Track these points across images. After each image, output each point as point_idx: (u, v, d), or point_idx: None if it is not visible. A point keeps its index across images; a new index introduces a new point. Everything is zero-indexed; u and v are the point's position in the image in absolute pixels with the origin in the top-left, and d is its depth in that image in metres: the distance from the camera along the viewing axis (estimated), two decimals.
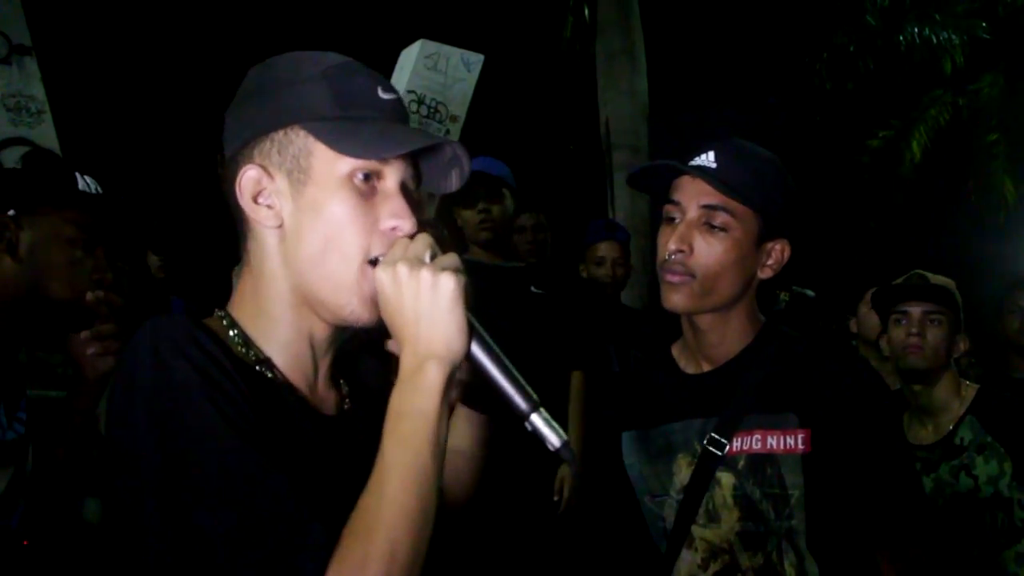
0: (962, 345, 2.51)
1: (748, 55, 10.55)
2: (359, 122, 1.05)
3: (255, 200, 1.06)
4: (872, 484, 1.54)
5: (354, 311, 1.04)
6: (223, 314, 1.10)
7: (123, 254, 2.78)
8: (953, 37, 10.43)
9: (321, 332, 1.09)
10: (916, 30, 10.45)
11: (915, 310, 2.50)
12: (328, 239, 1.03)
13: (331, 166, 1.04)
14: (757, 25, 10.47)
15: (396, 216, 1.05)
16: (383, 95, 1.09)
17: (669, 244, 1.57)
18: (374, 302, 1.02)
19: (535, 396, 1.02)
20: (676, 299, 1.58)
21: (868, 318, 3.31)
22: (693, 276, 1.56)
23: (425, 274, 0.97)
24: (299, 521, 0.89)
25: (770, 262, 1.62)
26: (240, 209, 1.07)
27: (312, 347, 1.09)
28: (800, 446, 1.53)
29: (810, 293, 4.22)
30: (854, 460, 1.53)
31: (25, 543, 1.69)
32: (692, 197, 1.58)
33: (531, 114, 10.88)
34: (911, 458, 1.63)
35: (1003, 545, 2.34)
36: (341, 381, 1.17)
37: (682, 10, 9.90)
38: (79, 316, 1.76)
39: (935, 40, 10.42)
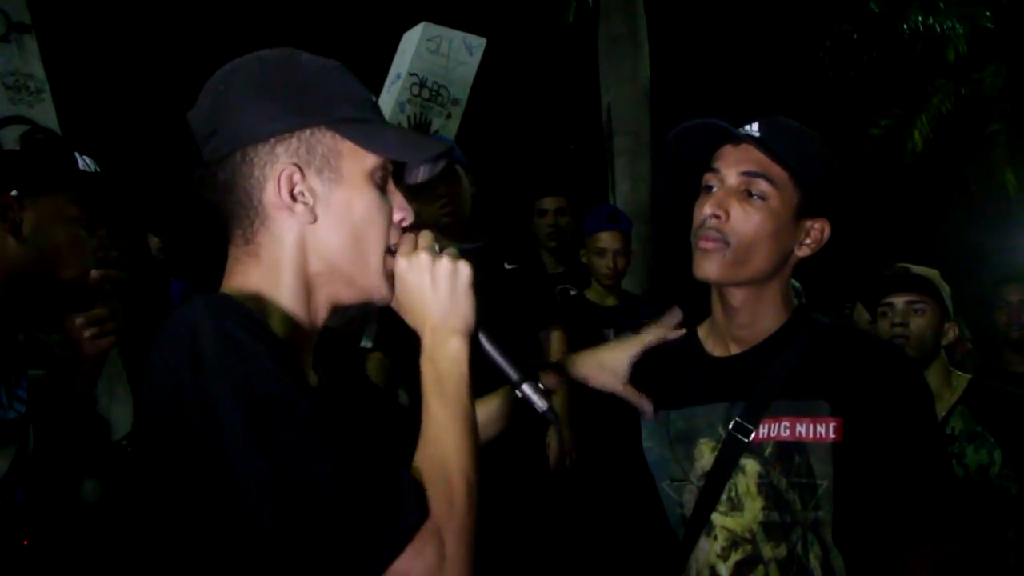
0: (951, 333, 2.52)
1: (751, 42, 10.52)
2: (373, 123, 1.17)
3: (292, 197, 1.12)
4: (907, 477, 1.50)
5: (382, 291, 1.17)
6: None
7: (123, 234, 2.78)
8: (956, 26, 10.41)
9: (320, 320, 1.18)
10: (919, 18, 10.43)
11: (898, 301, 2.52)
12: (359, 231, 1.14)
13: (359, 164, 1.14)
14: (760, 12, 10.43)
15: (402, 209, 1.19)
16: (373, 98, 1.23)
17: (705, 209, 1.53)
18: (393, 284, 1.17)
19: (524, 368, 1.22)
20: (708, 267, 1.53)
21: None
22: (727, 244, 1.51)
23: (446, 262, 1.15)
24: (393, 474, 0.98)
25: (808, 240, 1.58)
26: (263, 204, 1.13)
27: (310, 333, 1.18)
28: (831, 435, 1.48)
29: (796, 284, 4.23)
30: (888, 451, 1.48)
31: (25, 543, 1.71)
32: (732, 165, 1.54)
33: (533, 98, 10.85)
34: (946, 450, 1.57)
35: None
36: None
37: None
38: (82, 295, 1.77)
39: (938, 29, 10.40)
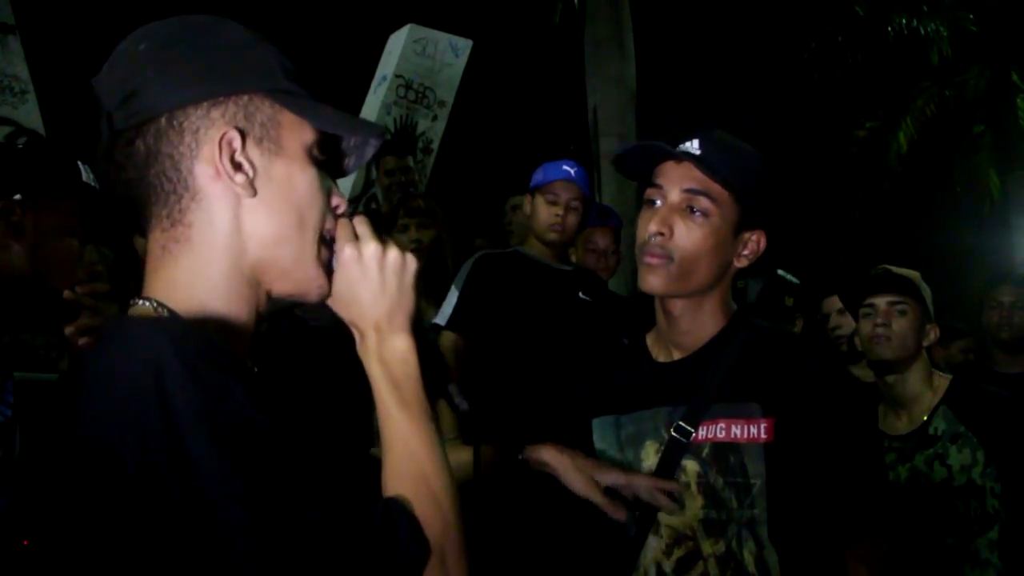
0: (932, 334, 2.54)
1: (736, 45, 10.57)
2: (308, 98, 1.04)
3: (233, 165, 0.98)
4: (835, 475, 1.56)
5: (321, 286, 1.04)
6: (155, 303, 0.98)
7: (110, 239, 2.77)
8: (941, 29, 10.48)
9: (261, 309, 1.04)
10: (904, 21, 10.49)
11: (880, 302, 2.53)
12: (300, 213, 1.01)
13: (299, 137, 1.02)
14: (745, 15, 10.48)
15: (337, 194, 1.07)
16: (300, 72, 1.08)
17: (650, 226, 1.58)
18: (330, 277, 1.05)
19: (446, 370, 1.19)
20: (653, 281, 1.60)
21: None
22: (671, 259, 1.57)
23: (395, 254, 1.04)
24: (385, 504, 0.92)
25: (746, 252, 1.64)
26: (195, 175, 0.98)
27: (252, 324, 1.04)
28: (763, 435, 1.55)
29: (794, 279, 4.24)
30: (816, 451, 1.54)
31: (25, 543, 1.70)
32: (675, 181, 1.59)
33: (518, 100, 10.87)
34: (878, 450, 1.65)
35: (976, 532, 2.37)
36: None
37: None
38: (68, 306, 1.77)
39: (923, 32, 10.47)
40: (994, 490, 2.37)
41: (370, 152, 1.13)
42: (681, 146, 1.59)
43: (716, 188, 1.57)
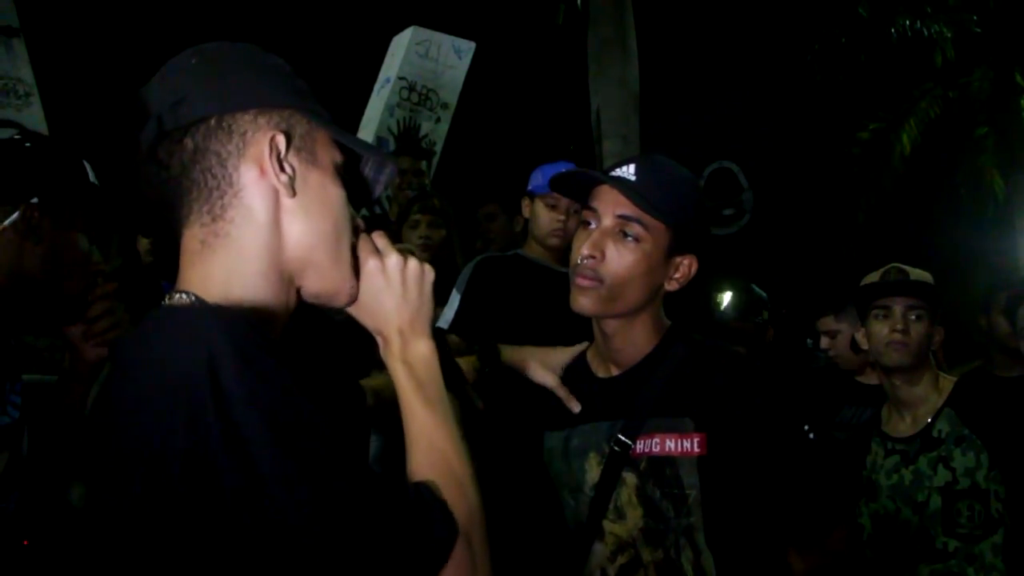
0: (937, 337, 2.54)
1: (739, 46, 10.56)
2: (334, 123, 1.13)
3: (279, 165, 1.05)
4: (770, 483, 1.65)
5: (353, 288, 1.12)
6: (193, 296, 1.03)
7: (115, 239, 2.78)
8: (944, 30, 10.46)
9: (291, 306, 1.09)
10: (907, 23, 10.47)
11: (897, 306, 2.51)
12: (335, 219, 1.09)
13: (330, 154, 1.10)
14: (749, 16, 10.47)
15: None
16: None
17: (583, 249, 1.64)
18: (358, 284, 1.13)
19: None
20: (583, 302, 1.65)
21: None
22: (602, 282, 1.63)
23: (415, 264, 1.14)
24: (417, 489, 0.98)
25: (677, 275, 1.70)
26: (239, 173, 1.04)
27: (283, 320, 1.09)
28: (696, 449, 1.62)
29: (754, 287, 4.25)
30: (747, 461, 1.62)
31: (25, 543, 1.70)
32: (609, 206, 1.65)
33: (522, 102, 10.87)
34: (806, 454, 1.70)
35: (980, 536, 2.37)
36: None
37: (675, 1, 9.89)
38: (77, 305, 1.78)
39: (926, 33, 10.44)
40: (998, 494, 2.36)
41: (384, 183, 1.21)
42: (617, 170, 1.65)
43: (648, 215, 1.61)
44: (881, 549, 2.50)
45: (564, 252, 3.33)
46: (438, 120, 5.92)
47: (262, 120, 1.05)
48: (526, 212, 3.30)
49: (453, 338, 3.14)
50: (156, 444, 0.87)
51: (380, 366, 1.17)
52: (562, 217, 3.17)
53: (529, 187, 3.29)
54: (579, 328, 3.12)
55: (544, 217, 3.19)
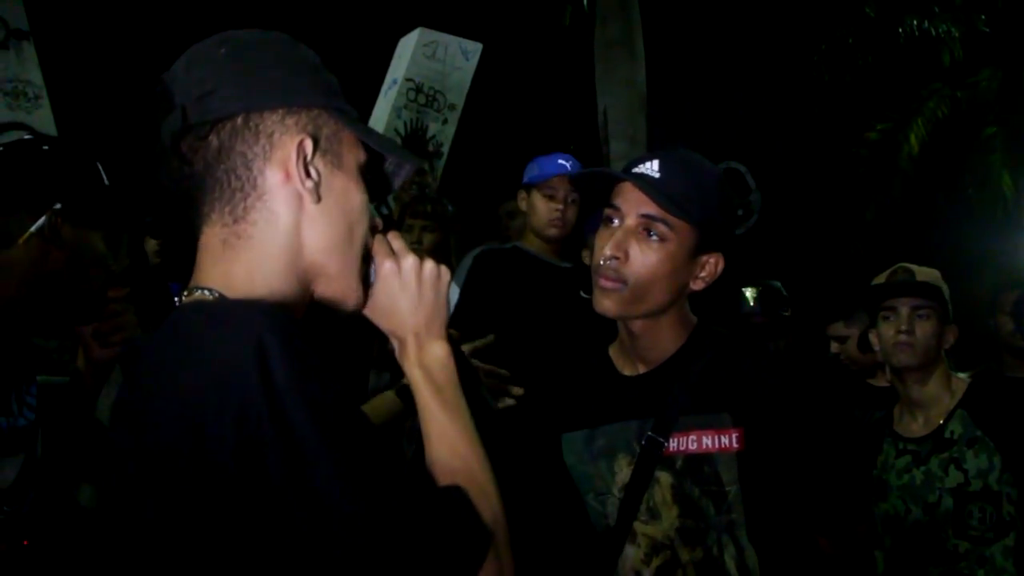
0: (951, 337, 2.52)
1: (746, 47, 10.55)
2: (361, 121, 1.11)
3: (305, 170, 1.04)
4: (808, 476, 1.62)
5: (359, 296, 1.10)
6: (215, 293, 1.02)
7: (126, 242, 2.78)
8: (952, 30, 10.44)
9: (305, 307, 1.09)
10: (915, 22, 10.45)
11: (903, 307, 2.50)
12: (351, 226, 1.07)
13: (355, 156, 1.09)
14: (756, 16, 10.46)
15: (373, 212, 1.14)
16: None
17: (605, 249, 1.58)
18: (366, 291, 1.11)
19: None
20: (607, 304, 1.60)
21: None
22: (625, 283, 1.58)
23: (431, 266, 1.12)
24: (446, 492, 0.98)
25: (703, 274, 1.64)
26: (264, 175, 1.02)
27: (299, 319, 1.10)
28: (735, 445, 1.58)
29: (777, 284, 4.23)
30: (786, 453, 1.58)
31: (25, 543, 1.71)
32: (632, 205, 1.59)
33: (529, 103, 10.87)
34: (844, 450, 1.70)
35: (992, 539, 2.35)
36: None
37: (681, 1, 9.88)
38: (97, 307, 1.78)
39: (934, 33, 10.43)
40: (1010, 496, 2.35)
41: (401, 179, 1.20)
42: (640, 167, 1.59)
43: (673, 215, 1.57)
44: (890, 549, 2.49)
45: (563, 244, 3.32)
46: (445, 121, 5.91)
47: (290, 121, 1.03)
48: (523, 205, 3.30)
49: (451, 331, 3.16)
50: (205, 439, 0.86)
51: (378, 365, 1.17)
52: (560, 207, 3.16)
53: (525, 179, 3.28)
54: (575, 320, 3.12)
55: (542, 207, 3.19)
